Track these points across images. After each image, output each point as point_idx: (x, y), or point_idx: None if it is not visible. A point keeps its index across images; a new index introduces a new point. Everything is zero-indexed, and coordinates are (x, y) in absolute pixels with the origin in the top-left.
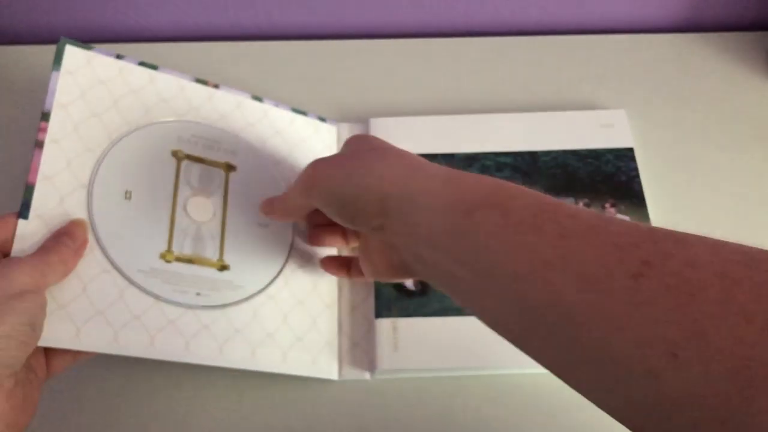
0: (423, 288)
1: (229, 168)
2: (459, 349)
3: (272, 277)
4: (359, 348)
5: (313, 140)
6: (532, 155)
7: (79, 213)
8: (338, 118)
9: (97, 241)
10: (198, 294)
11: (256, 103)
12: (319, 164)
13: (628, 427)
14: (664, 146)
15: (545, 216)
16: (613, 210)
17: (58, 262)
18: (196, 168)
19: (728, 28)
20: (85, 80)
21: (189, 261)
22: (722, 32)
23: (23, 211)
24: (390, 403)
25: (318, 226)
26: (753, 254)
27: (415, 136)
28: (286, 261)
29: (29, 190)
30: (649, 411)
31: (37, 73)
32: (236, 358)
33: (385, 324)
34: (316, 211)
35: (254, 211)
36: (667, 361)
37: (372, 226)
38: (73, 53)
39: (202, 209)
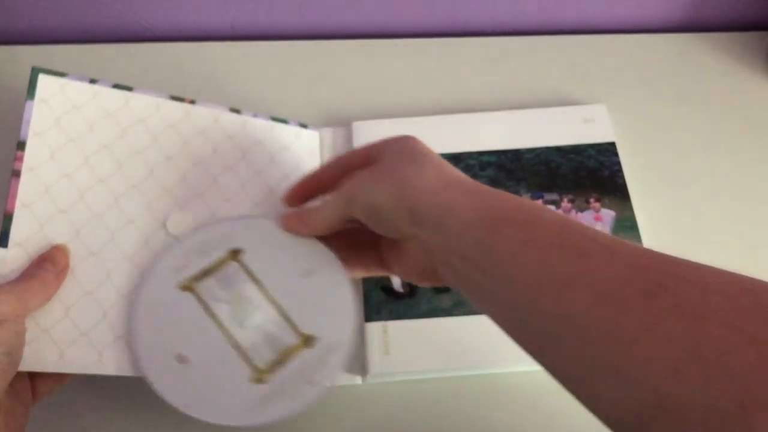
0: (411, 290)
1: (236, 254)
2: (450, 349)
3: (357, 310)
4: None
5: (295, 147)
6: (516, 153)
7: (59, 238)
8: (321, 121)
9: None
10: (313, 383)
11: (234, 116)
12: (359, 177)
13: None
14: (661, 143)
15: (566, 235)
16: (597, 205)
17: (39, 286)
18: (211, 280)
19: (728, 28)
20: (59, 107)
21: (280, 362)
22: (722, 32)
23: (2, 240)
24: (383, 407)
25: (345, 251)
26: (761, 285)
27: None
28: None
29: (7, 219)
30: (654, 425)
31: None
32: None
33: (375, 327)
34: (343, 235)
35: (288, 267)
36: (672, 378)
37: (405, 235)
38: (46, 82)
39: (183, 224)
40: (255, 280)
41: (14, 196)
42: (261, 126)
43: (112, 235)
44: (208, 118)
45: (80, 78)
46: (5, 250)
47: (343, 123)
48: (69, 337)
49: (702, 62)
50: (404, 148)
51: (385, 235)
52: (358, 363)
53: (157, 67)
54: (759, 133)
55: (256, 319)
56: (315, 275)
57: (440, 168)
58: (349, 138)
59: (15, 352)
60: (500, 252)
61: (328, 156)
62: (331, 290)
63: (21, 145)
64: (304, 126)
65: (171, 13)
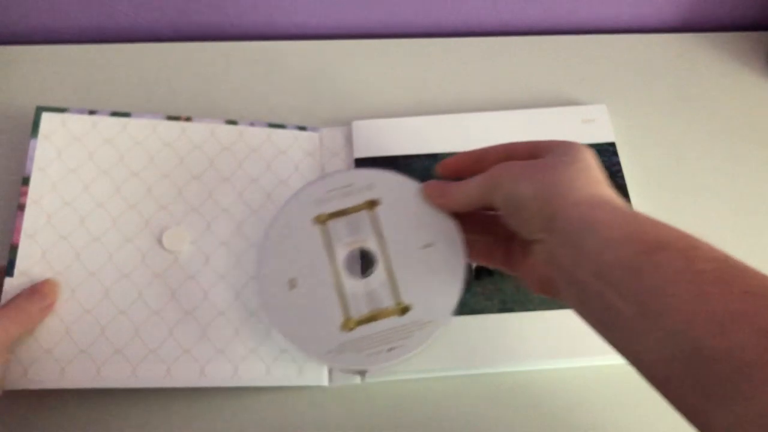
0: None
1: (372, 205)
2: (450, 349)
3: (458, 298)
4: None
5: (292, 150)
6: None
7: (60, 263)
8: (321, 121)
9: (279, 333)
10: (391, 349)
11: (230, 127)
12: (511, 165)
13: None
14: (661, 143)
15: (730, 271)
16: None
17: (23, 318)
18: (342, 222)
19: (728, 28)
20: (61, 141)
21: (370, 319)
22: (722, 32)
23: (9, 269)
24: (381, 407)
25: (476, 234)
26: None
27: (398, 137)
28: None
29: (13, 250)
30: None
31: (31, 73)
32: (219, 377)
33: None
34: (480, 219)
35: (412, 234)
36: None
37: (535, 239)
38: (48, 119)
39: (178, 239)
40: (379, 236)
41: (19, 229)
42: (257, 134)
43: (110, 255)
44: (204, 133)
45: (80, 111)
46: (12, 279)
47: (343, 123)
48: (69, 354)
49: (702, 62)
50: (568, 153)
51: (516, 232)
52: None
53: (156, 67)
54: (759, 133)
55: (366, 272)
56: (434, 250)
57: (595, 183)
58: (349, 138)
59: None
60: (650, 278)
61: (327, 156)
62: (444, 269)
63: (26, 181)
64: (302, 128)
65: (169, 13)
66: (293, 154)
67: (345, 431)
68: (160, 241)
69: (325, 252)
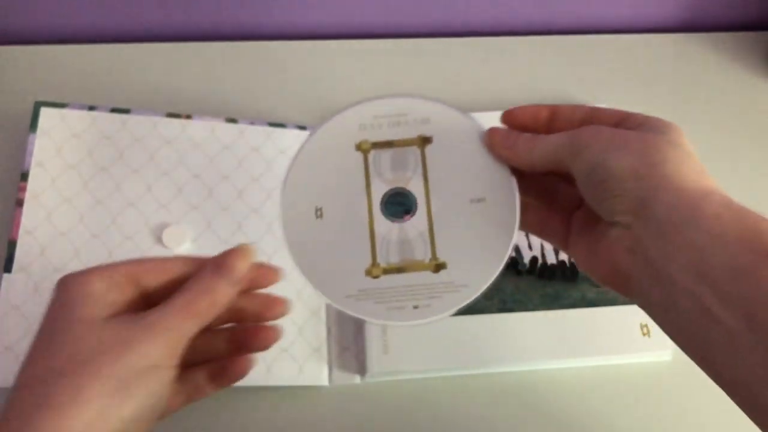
0: None
1: (425, 141)
2: (449, 349)
3: (501, 266)
4: (349, 352)
5: (292, 150)
6: None
7: (59, 261)
8: (321, 121)
9: (297, 267)
10: (416, 307)
11: (231, 125)
12: (600, 129)
13: None
14: None
15: None
16: None
17: (205, 309)
18: (386, 155)
19: (728, 28)
20: (60, 136)
21: (399, 270)
22: (722, 32)
23: (7, 265)
24: (381, 406)
25: (533, 198)
26: None
27: None
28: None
29: (12, 245)
30: None
31: (31, 73)
32: None
33: (374, 326)
34: (530, 181)
35: (462, 184)
36: None
37: (616, 219)
38: (47, 114)
39: (178, 237)
40: (426, 179)
41: (18, 224)
42: (258, 133)
43: (110, 253)
44: (204, 131)
45: (80, 107)
46: (10, 275)
47: None
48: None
49: (702, 62)
50: (669, 132)
51: (592, 206)
52: (357, 362)
53: (156, 67)
54: (759, 133)
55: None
56: (484, 206)
57: (701, 172)
58: None
59: (162, 402)
60: (766, 285)
61: None
62: (492, 231)
63: (24, 176)
64: (302, 128)
65: (170, 13)
66: (293, 153)
67: (345, 431)
68: (160, 239)
69: (361, 184)
